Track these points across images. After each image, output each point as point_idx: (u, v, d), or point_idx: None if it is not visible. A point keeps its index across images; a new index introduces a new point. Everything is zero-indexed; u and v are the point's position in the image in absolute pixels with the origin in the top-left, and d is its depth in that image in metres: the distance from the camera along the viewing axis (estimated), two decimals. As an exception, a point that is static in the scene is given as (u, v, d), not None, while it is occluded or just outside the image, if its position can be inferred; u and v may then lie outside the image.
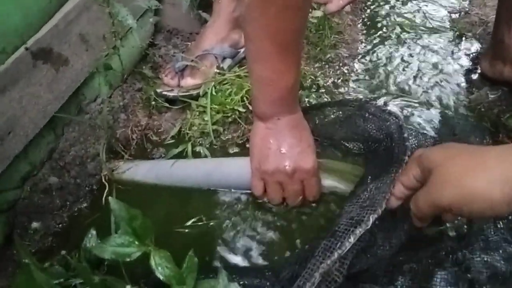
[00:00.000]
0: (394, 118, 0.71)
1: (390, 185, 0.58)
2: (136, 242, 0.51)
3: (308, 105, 0.94)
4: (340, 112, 0.82)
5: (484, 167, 0.47)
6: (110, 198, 0.52)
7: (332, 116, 0.84)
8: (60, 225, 0.76)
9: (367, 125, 0.77)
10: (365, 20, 1.26)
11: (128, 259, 0.51)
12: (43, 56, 0.74)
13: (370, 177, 0.67)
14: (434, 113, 0.95)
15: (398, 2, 1.32)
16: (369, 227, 0.54)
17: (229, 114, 0.91)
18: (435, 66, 1.08)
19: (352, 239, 0.53)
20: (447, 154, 0.52)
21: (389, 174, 0.60)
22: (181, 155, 0.87)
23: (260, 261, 0.71)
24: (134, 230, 0.51)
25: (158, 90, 0.95)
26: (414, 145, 0.74)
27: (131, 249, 0.51)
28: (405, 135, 0.66)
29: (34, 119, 0.74)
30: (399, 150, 0.64)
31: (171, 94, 0.95)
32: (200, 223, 0.76)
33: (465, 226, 0.67)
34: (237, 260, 0.71)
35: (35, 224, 0.74)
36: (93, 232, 0.60)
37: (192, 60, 0.96)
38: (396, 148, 0.65)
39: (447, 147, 0.55)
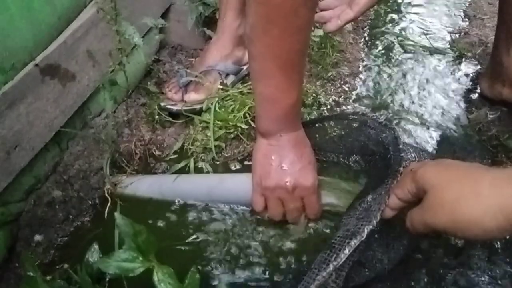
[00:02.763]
0: (389, 130, 0.72)
1: (385, 196, 0.59)
2: (140, 258, 0.52)
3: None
4: (338, 127, 0.83)
5: (478, 194, 0.48)
6: (116, 213, 0.53)
7: (330, 130, 0.85)
8: (63, 238, 0.76)
9: (364, 138, 0.77)
10: (367, 39, 1.28)
11: (131, 274, 0.51)
12: (51, 72, 0.75)
13: (368, 191, 0.68)
14: (434, 132, 0.96)
15: (399, 22, 1.34)
16: (364, 238, 0.54)
17: (231, 130, 0.92)
18: (435, 85, 1.09)
19: (347, 251, 0.53)
20: (442, 175, 0.53)
21: (384, 185, 0.60)
22: (183, 170, 0.88)
23: (260, 276, 0.71)
24: (138, 246, 0.51)
25: (162, 104, 0.97)
26: (412, 159, 0.74)
27: (135, 265, 0.52)
28: (400, 146, 0.66)
29: (40, 134, 0.75)
30: (394, 161, 0.64)
31: (174, 108, 0.96)
32: (200, 239, 0.76)
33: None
34: (237, 276, 0.71)
35: (38, 237, 0.75)
36: (95, 246, 0.60)
37: (196, 76, 0.98)
38: (391, 159, 0.65)
39: (441, 165, 0.55)
